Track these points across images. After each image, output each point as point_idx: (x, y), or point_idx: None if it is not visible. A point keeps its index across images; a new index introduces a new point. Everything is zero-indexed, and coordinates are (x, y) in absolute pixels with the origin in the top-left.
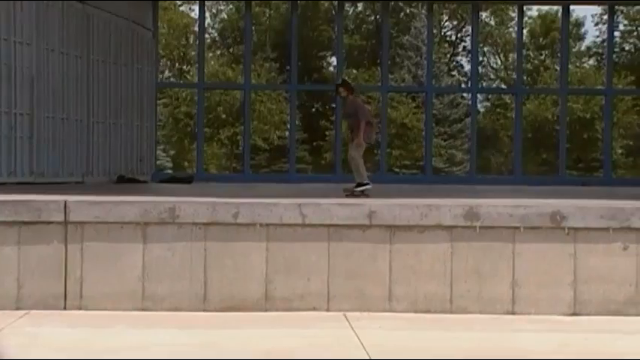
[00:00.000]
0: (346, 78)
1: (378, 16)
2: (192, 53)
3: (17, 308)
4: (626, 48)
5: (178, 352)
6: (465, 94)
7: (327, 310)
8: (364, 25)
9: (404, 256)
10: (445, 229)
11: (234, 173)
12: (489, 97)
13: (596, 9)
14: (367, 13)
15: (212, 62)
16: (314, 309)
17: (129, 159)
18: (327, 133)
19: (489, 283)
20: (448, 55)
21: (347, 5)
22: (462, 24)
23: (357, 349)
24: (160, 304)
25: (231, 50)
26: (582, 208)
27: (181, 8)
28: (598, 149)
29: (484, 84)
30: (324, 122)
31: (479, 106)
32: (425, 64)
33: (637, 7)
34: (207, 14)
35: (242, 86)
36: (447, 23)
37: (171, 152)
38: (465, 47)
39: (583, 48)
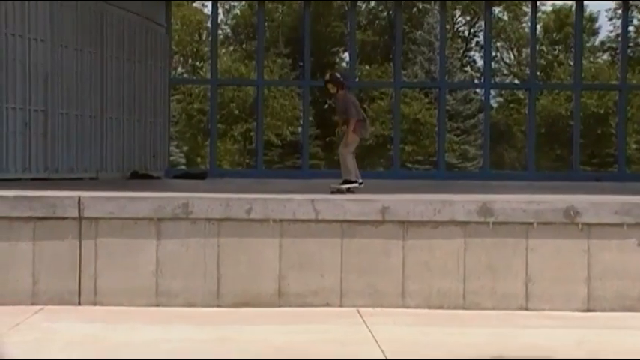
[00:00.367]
0: (335, 73)
1: (390, 12)
2: (205, 49)
3: (33, 303)
4: None
5: (192, 347)
6: (478, 90)
7: (341, 305)
8: (377, 21)
9: (417, 252)
10: (459, 224)
11: (247, 169)
12: (502, 92)
13: (610, 4)
14: (380, 9)
15: (225, 58)
16: (327, 305)
17: (142, 155)
18: (337, 130)
19: (503, 278)
20: (461, 51)
21: (359, 1)
22: (475, 19)
23: (370, 345)
24: (173, 299)
25: (243, 46)
26: (596, 203)
27: (194, 4)
28: (612, 145)
29: (497, 79)
30: (336, 118)
31: (492, 101)
32: (438, 60)
33: None
34: (220, 10)
35: (255, 82)
36: (459, 18)
37: (185, 148)
38: (478, 42)
39: (597, 43)
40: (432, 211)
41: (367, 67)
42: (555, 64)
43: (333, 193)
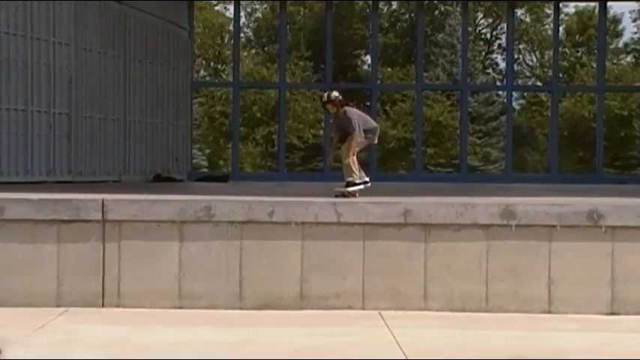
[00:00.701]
0: (333, 92)
1: (412, 14)
2: (228, 52)
3: (57, 305)
4: None
5: (215, 350)
6: (500, 92)
7: (363, 308)
8: (399, 24)
9: (439, 255)
10: (481, 227)
11: (269, 172)
12: (525, 94)
13: (634, 5)
14: (402, 12)
15: (247, 61)
16: (349, 307)
17: (165, 158)
18: None
19: (526, 282)
20: (483, 53)
21: (381, 3)
22: (497, 21)
23: (392, 348)
24: (196, 302)
25: (265, 49)
26: (620, 206)
27: (216, 8)
28: (636, 147)
29: (519, 82)
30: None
31: (514, 103)
32: (460, 62)
33: None
34: (242, 13)
35: (277, 85)
36: (481, 21)
37: (207, 151)
38: (500, 45)
39: (620, 45)
40: (455, 214)
41: (389, 69)
42: (578, 66)
43: (337, 196)
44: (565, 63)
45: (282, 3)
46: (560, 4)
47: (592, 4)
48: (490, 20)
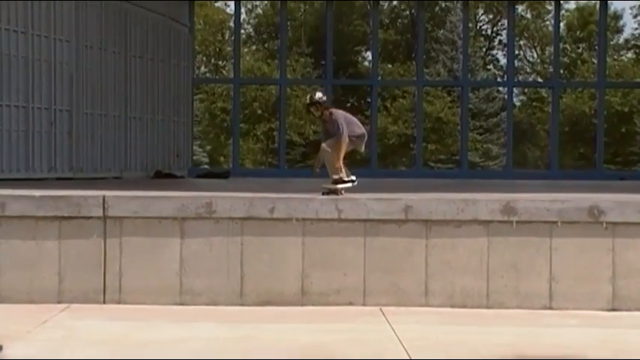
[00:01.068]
0: (316, 94)
1: (412, 11)
2: (228, 49)
3: (59, 302)
4: None
5: (216, 346)
6: (500, 88)
7: (364, 304)
8: (399, 20)
9: (440, 251)
10: (482, 223)
11: (269, 168)
12: (525, 90)
13: (635, 1)
14: (402, 8)
15: (247, 57)
16: (350, 304)
17: (166, 154)
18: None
19: (526, 278)
20: (484, 49)
21: (381, 0)
22: (498, 17)
23: (394, 344)
24: (197, 298)
25: (266, 45)
26: (621, 202)
27: (217, 4)
28: (636, 143)
29: (520, 78)
30: (360, 117)
31: (515, 99)
32: (460, 58)
33: None
34: (243, 10)
35: (277, 81)
36: (482, 17)
37: (208, 147)
38: (500, 41)
39: (621, 41)
40: (455, 210)
41: (389, 65)
42: (579, 62)
43: (324, 194)
44: (566, 59)
45: None
46: (561, 0)
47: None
48: (491, 16)
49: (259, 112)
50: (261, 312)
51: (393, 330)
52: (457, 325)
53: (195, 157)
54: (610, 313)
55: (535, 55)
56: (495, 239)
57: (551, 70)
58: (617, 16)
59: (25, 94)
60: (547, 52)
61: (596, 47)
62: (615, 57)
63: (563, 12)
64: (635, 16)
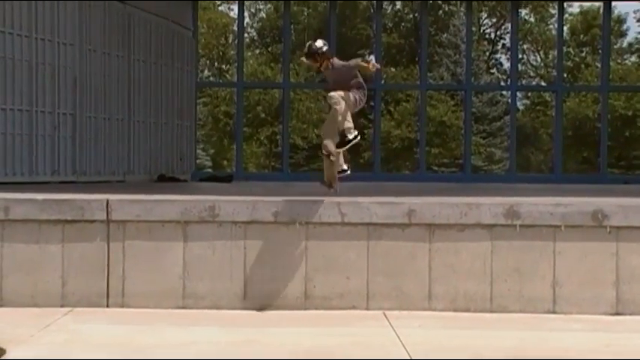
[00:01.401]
0: (315, 43)
1: (416, 14)
2: (232, 52)
3: (62, 305)
4: None
5: (220, 350)
6: (504, 92)
7: (367, 308)
8: (402, 24)
9: (443, 255)
10: (485, 227)
11: (273, 172)
12: (529, 94)
13: (639, 5)
14: (405, 11)
15: (251, 61)
16: (353, 308)
17: (169, 158)
18: (365, 131)
19: (530, 282)
20: (487, 53)
21: (385, 3)
22: (501, 21)
23: (397, 348)
24: (200, 302)
25: (269, 49)
26: (625, 206)
27: (220, 8)
28: None
29: (524, 82)
30: (363, 121)
31: (518, 103)
32: (464, 62)
33: None
34: (246, 13)
35: (281, 85)
36: (486, 21)
37: (211, 151)
38: (504, 45)
39: (625, 44)
40: (459, 214)
41: (393, 69)
42: (582, 66)
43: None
44: (569, 63)
45: (286, 3)
46: (565, 4)
47: (596, 3)
48: (494, 20)
49: (263, 115)
50: (264, 316)
51: (397, 334)
52: (460, 329)
53: (198, 161)
54: (614, 318)
55: (539, 59)
56: (499, 243)
57: (554, 73)
58: (621, 20)
59: (28, 97)
60: (550, 56)
61: (600, 51)
62: (619, 61)
63: (566, 16)
64: (638, 20)
